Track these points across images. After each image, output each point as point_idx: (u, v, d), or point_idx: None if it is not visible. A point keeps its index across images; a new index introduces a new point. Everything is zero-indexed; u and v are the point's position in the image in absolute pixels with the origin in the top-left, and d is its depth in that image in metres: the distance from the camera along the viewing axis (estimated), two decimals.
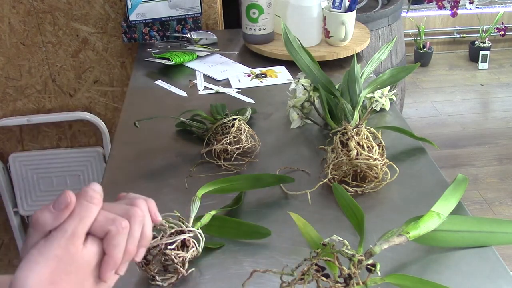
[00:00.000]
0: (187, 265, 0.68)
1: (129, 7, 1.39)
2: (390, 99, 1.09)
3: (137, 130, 0.99)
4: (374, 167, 0.84)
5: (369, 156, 0.83)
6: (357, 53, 1.18)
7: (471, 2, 3.46)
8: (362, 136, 0.85)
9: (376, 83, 1.01)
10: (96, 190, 0.47)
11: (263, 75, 1.27)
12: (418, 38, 3.53)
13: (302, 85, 1.05)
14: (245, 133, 0.94)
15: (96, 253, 0.46)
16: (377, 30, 2.03)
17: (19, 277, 0.42)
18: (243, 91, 1.20)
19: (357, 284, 0.58)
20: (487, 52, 3.53)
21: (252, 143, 0.95)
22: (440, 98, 3.23)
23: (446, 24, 3.70)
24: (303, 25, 1.31)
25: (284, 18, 1.29)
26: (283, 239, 0.76)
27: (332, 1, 1.29)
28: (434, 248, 0.73)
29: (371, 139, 0.86)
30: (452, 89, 3.33)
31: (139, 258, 0.49)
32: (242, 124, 0.95)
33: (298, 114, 1.05)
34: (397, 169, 0.87)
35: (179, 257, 0.66)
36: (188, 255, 0.67)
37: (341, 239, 0.61)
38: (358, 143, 0.84)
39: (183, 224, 0.69)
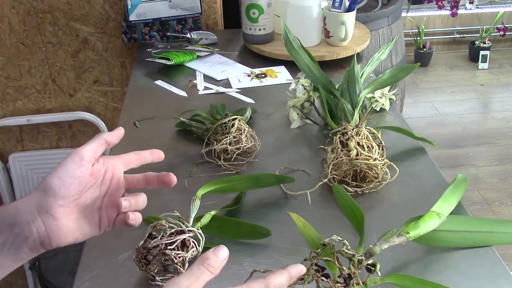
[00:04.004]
0: (187, 265, 0.68)
1: (129, 7, 1.39)
2: (390, 99, 1.09)
3: (137, 130, 0.99)
4: (374, 167, 0.84)
5: (369, 156, 0.83)
6: (357, 53, 1.18)
7: (471, 2, 3.46)
8: (362, 136, 0.85)
9: (376, 83, 1.01)
10: (219, 259, 0.50)
11: (263, 75, 1.27)
12: (418, 38, 3.53)
13: (302, 85, 1.05)
14: (245, 133, 0.94)
15: None
16: (377, 30, 2.03)
17: None
18: (243, 91, 1.20)
19: (357, 284, 0.58)
20: (487, 52, 3.53)
21: (252, 143, 0.95)
22: (440, 98, 3.23)
23: (446, 24, 3.70)
24: (303, 25, 1.31)
25: (284, 18, 1.29)
26: (283, 239, 0.76)
27: (332, 1, 1.29)
28: (434, 248, 0.73)
29: (371, 139, 0.86)
30: (452, 89, 3.33)
31: None
32: (242, 124, 0.95)
33: (298, 114, 1.05)
34: (397, 169, 0.87)
35: (179, 257, 0.66)
36: (188, 255, 0.67)
37: (341, 239, 0.61)
38: (358, 143, 0.84)
39: (183, 224, 0.69)
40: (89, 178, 0.59)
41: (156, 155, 0.67)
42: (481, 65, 3.55)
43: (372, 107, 1.06)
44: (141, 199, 0.63)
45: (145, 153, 0.66)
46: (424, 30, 3.53)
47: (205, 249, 0.72)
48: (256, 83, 1.24)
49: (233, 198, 0.83)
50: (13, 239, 0.54)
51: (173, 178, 0.64)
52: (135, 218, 0.62)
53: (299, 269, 0.54)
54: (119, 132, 0.64)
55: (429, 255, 0.73)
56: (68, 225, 0.57)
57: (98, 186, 0.61)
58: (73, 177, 0.57)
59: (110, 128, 1.69)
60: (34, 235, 0.55)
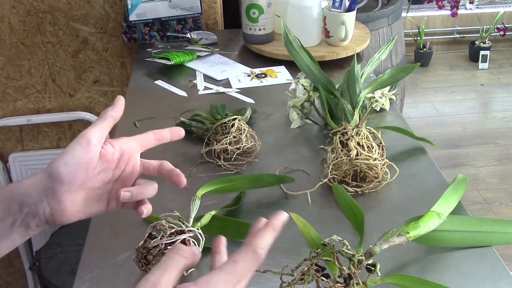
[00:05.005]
0: None
1: (129, 7, 1.39)
2: (390, 99, 1.09)
3: (137, 130, 0.99)
4: (374, 167, 0.84)
5: (369, 156, 0.83)
6: (357, 53, 1.18)
7: (471, 2, 3.46)
8: (362, 136, 0.85)
9: (376, 83, 1.01)
10: (194, 250, 0.48)
11: (263, 75, 1.27)
12: (418, 38, 3.53)
13: (302, 85, 1.05)
14: (245, 133, 0.94)
15: None
16: (377, 30, 2.03)
17: None
18: (243, 91, 1.20)
19: (357, 284, 0.58)
20: (487, 52, 3.54)
21: (252, 143, 0.95)
22: (440, 98, 3.23)
23: (446, 24, 3.70)
24: (303, 25, 1.31)
25: (284, 18, 1.29)
26: (283, 239, 0.76)
27: (332, 1, 1.29)
28: (434, 248, 0.73)
29: (371, 139, 0.86)
30: (452, 89, 3.33)
31: None
32: (242, 124, 0.95)
33: (298, 114, 1.05)
34: (397, 169, 0.87)
35: None
36: None
37: (341, 239, 0.61)
38: (358, 143, 0.84)
39: (183, 224, 0.69)
40: (98, 162, 0.58)
41: (176, 133, 0.66)
42: (481, 65, 3.55)
43: (372, 107, 1.06)
44: (151, 188, 0.62)
45: (164, 132, 0.65)
46: (424, 30, 3.53)
47: (205, 249, 0.72)
48: (256, 83, 1.24)
49: (233, 198, 0.83)
50: (22, 218, 0.56)
51: (183, 180, 0.62)
52: (147, 213, 0.62)
53: (283, 218, 0.50)
54: (120, 102, 0.62)
55: (429, 255, 0.73)
56: (73, 208, 0.58)
57: (111, 170, 0.60)
58: (80, 163, 0.56)
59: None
60: (40, 215, 0.56)
